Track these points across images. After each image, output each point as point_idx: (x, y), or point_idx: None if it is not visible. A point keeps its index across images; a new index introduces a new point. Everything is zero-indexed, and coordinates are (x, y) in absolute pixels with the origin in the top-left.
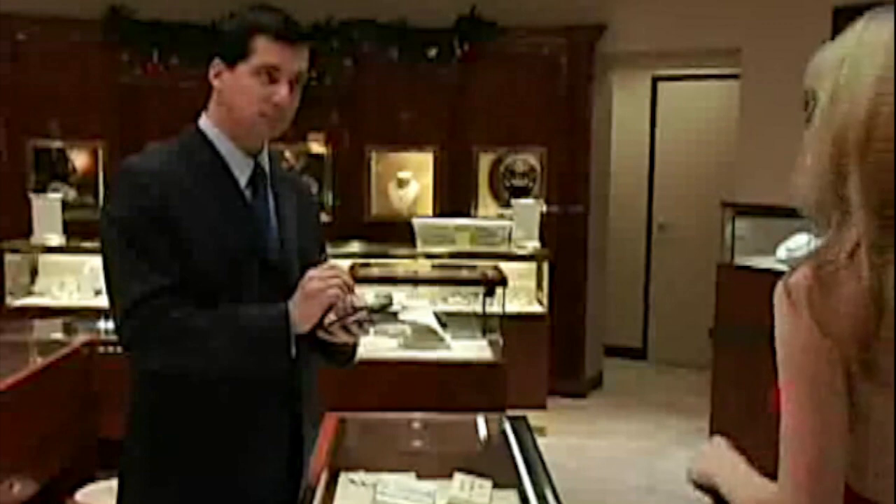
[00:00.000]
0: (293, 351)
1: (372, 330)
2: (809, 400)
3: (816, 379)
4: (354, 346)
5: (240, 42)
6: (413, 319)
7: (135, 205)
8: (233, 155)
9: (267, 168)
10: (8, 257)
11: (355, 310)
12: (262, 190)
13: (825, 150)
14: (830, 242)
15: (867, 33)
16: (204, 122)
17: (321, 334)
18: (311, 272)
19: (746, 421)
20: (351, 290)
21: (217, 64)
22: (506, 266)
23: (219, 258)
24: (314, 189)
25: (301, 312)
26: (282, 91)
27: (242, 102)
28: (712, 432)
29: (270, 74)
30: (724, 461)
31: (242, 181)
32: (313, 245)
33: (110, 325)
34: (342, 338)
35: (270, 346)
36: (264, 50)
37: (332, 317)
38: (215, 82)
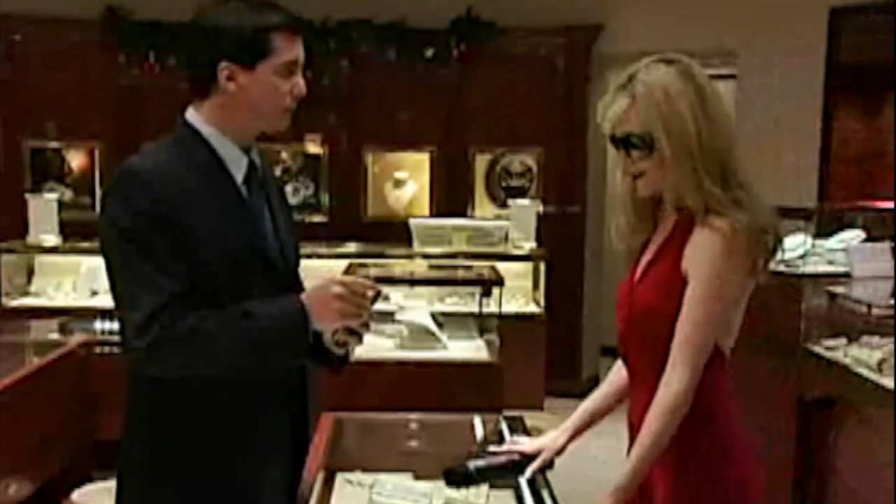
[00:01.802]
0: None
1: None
2: (722, 313)
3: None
4: (348, 351)
5: (257, 42)
6: (410, 320)
7: (139, 208)
8: (229, 152)
9: (258, 163)
10: (4, 258)
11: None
12: (256, 187)
13: (683, 163)
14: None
15: (659, 85)
16: (195, 118)
17: (328, 344)
18: (339, 289)
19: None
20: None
21: (227, 66)
22: (502, 266)
23: (222, 259)
24: (310, 189)
25: (318, 317)
26: (301, 83)
27: (269, 101)
28: None
29: (290, 69)
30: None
31: (239, 178)
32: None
33: (107, 325)
34: (351, 343)
35: (289, 346)
36: (284, 47)
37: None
38: (230, 85)
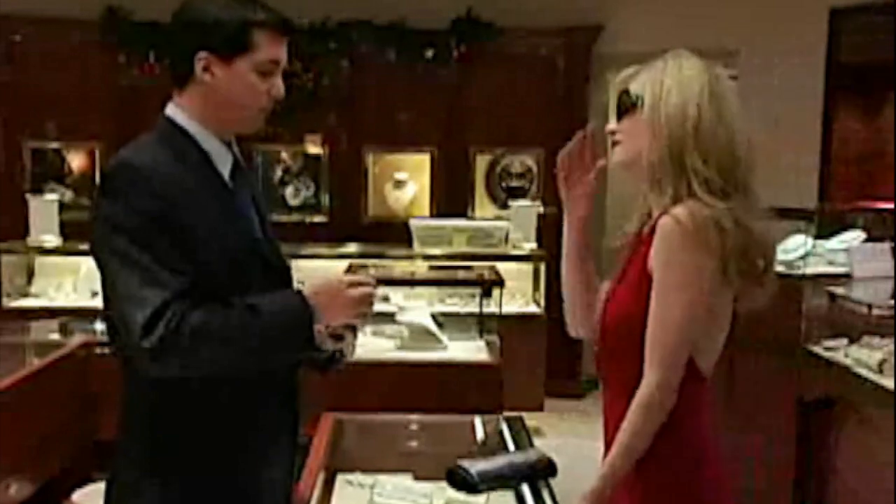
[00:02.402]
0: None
1: (368, 329)
2: (694, 307)
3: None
4: (342, 351)
5: (238, 36)
6: (410, 320)
7: (141, 205)
8: (213, 147)
9: (240, 158)
10: (4, 258)
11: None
12: (241, 182)
13: (662, 141)
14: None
15: (677, 65)
16: (177, 114)
17: (321, 341)
18: (350, 288)
19: (741, 419)
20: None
21: (206, 57)
22: (503, 267)
23: (222, 257)
24: (311, 189)
25: (326, 312)
26: (279, 84)
27: (245, 98)
28: None
29: (269, 69)
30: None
31: (225, 174)
32: None
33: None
34: (348, 338)
35: (294, 340)
36: (266, 45)
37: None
38: (205, 76)
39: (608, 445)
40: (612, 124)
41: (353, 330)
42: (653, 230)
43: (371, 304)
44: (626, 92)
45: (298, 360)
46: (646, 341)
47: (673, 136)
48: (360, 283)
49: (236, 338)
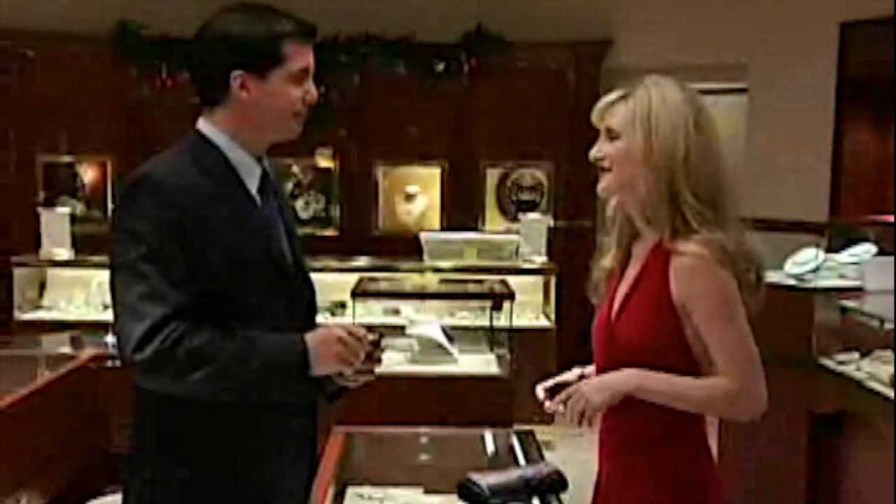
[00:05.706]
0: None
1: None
2: (742, 322)
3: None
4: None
5: (270, 50)
6: (420, 334)
7: (158, 220)
8: (243, 162)
9: (270, 172)
10: (16, 271)
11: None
12: (269, 195)
13: (657, 174)
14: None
15: (660, 95)
16: (207, 128)
17: (338, 380)
18: (341, 332)
19: (751, 432)
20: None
21: (240, 75)
22: (513, 280)
23: (233, 266)
24: (321, 203)
25: (318, 357)
26: (312, 89)
27: (282, 108)
28: (720, 442)
29: (301, 76)
30: (626, 380)
31: (252, 187)
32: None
33: None
34: (361, 381)
35: (286, 382)
36: (297, 54)
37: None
38: (242, 94)
39: (602, 445)
40: (597, 150)
41: (365, 374)
42: (658, 263)
43: (358, 357)
44: (610, 128)
45: (295, 398)
46: (719, 363)
47: (666, 166)
48: (355, 337)
49: (229, 368)
